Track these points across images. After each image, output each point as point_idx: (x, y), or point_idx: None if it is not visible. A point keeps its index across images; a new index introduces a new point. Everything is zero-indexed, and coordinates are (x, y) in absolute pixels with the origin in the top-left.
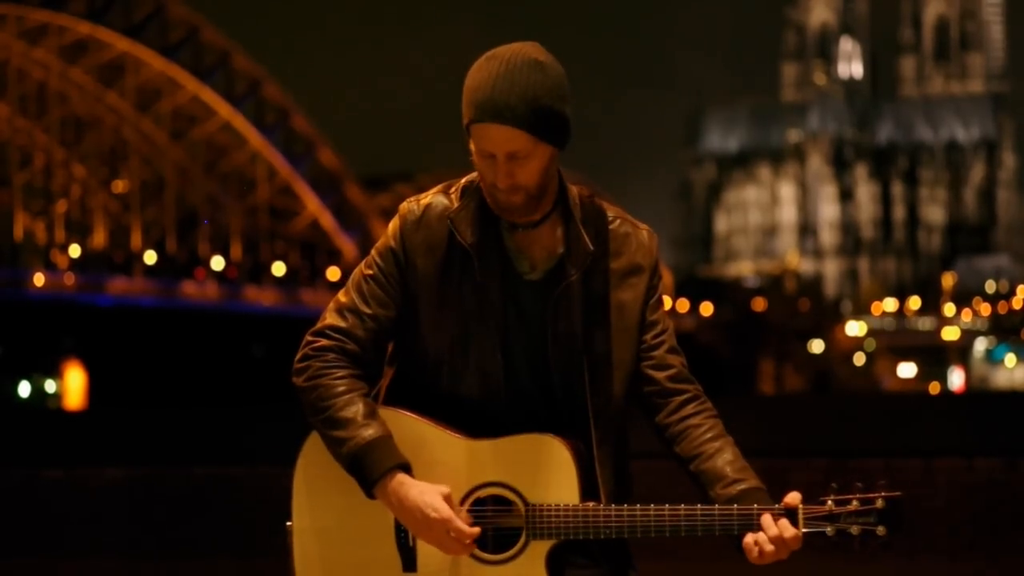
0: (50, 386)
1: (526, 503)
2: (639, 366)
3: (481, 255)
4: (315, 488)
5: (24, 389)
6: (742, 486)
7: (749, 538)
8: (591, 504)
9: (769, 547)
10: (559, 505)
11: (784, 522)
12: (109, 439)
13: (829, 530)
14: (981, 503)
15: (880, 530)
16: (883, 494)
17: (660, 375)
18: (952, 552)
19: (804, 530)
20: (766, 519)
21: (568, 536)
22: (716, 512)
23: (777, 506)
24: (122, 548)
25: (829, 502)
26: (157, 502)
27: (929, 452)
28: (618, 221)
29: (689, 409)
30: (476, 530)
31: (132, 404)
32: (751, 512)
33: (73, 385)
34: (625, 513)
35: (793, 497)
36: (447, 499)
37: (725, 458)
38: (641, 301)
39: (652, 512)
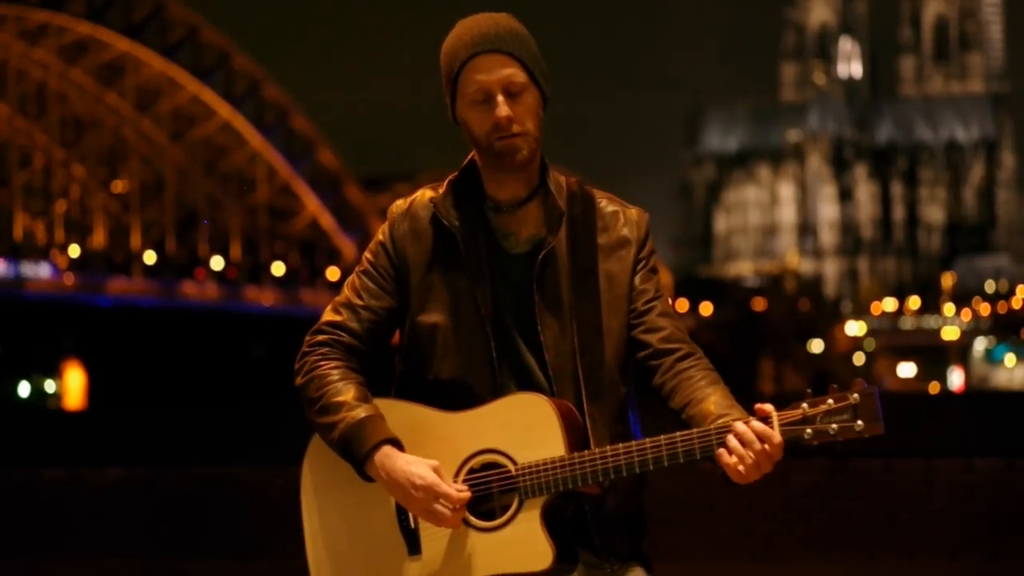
0: (50, 386)
1: (516, 464)
2: (632, 333)
3: (465, 234)
4: (320, 489)
5: (24, 389)
6: (725, 419)
7: (726, 449)
8: (575, 453)
9: (745, 451)
10: (546, 460)
11: (757, 423)
12: (109, 439)
13: (807, 433)
14: (981, 503)
15: (858, 425)
16: (857, 390)
17: (652, 338)
18: (952, 552)
19: (781, 435)
20: (738, 424)
21: (558, 488)
22: (695, 435)
23: (751, 417)
24: (122, 548)
25: (803, 405)
26: (157, 502)
27: (929, 452)
28: (605, 201)
29: (683, 365)
30: (465, 495)
31: (132, 404)
32: (727, 428)
33: (73, 385)
34: (609, 453)
35: (766, 406)
36: (435, 470)
37: (713, 399)
38: (629, 272)
39: (634, 447)
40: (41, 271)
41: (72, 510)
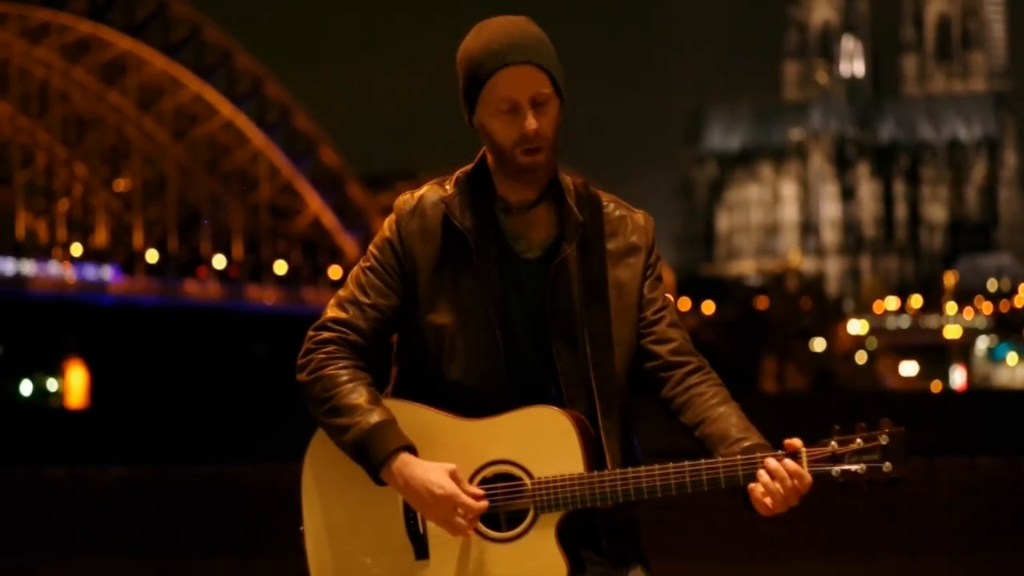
0: (52, 385)
1: (532, 477)
2: (641, 343)
3: (477, 237)
4: (323, 486)
5: (26, 388)
6: (746, 443)
7: (758, 490)
8: (595, 472)
9: (776, 486)
10: (564, 476)
11: (789, 461)
12: (111, 437)
13: (835, 471)
14: (983, 502)
15: (886, 466)
16: (886, 430)
17: (662, 349)
18: (953, 551)
19: (809, 471)
20: (770, 461)
21: (576, 505)
22: (720, 464)
23: (780, 451)
24: (124, 546)
25: (832, 443)
26: (159, 500)
27: (931, 450)
28: (612, 205)
29: (693, 379)
30: (484, 504)
31: (134, 403)
32: (755, 459)
33: (75, 384)
34: (631, 475)
35: (795, 441)
36: (453, 475)
37: (730, 420)
38: (639, 279)
39: (657, 471)
40: (104, 274)
41: (74, 508)
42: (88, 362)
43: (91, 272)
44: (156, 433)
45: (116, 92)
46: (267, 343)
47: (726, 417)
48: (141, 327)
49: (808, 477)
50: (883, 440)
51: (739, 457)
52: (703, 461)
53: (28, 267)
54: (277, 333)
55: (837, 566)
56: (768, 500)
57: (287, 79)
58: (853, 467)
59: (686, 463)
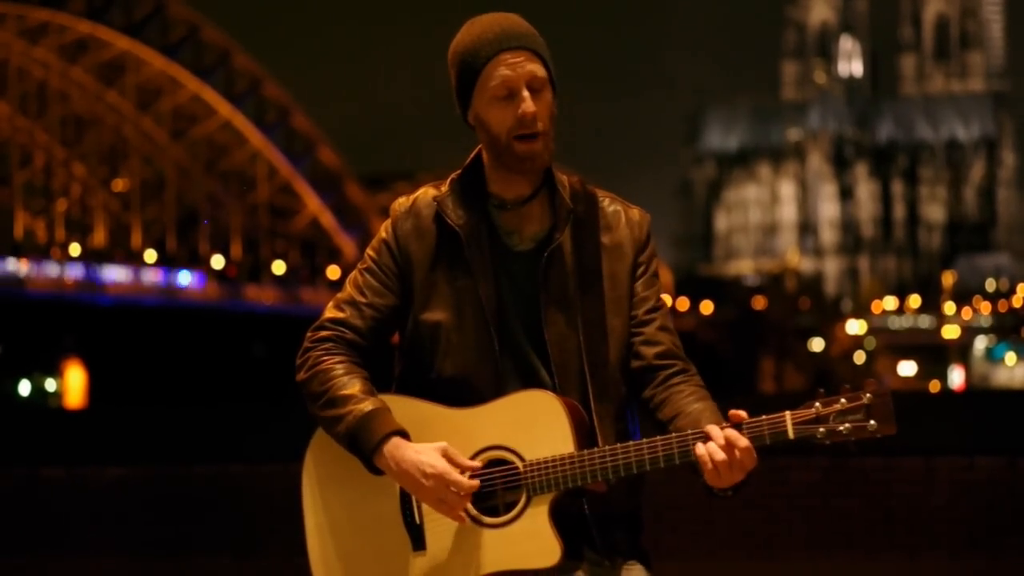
0: (50, 385)
1: (523, 460)
2: (629, 340)
3: (468, 232)
4: (323, 484)
5: (24, 388)
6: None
7: (700, 448)
8: (585, 451)
9: (719, 455)
10: (554, 457)
11: (729, 429)
12: (110, 438)
13: (820, 432)
14: (982, 502)
15: (871, 425)
16: (869, 391)
17: (649, 351)
18: (952, 551)
19: (794, 434)
20: (711, 428)
21: (566, 485)
22: (674, 439)
23: (725, 423)
24: (122, 547)
25: (816, 405)
26: (158, 501)
27: (929, 451)
28: (608, 201)
29: (675, 380)
30: (475, 483)
31: (133, 403)
32: (701, 433)
33: (73, 384)
34: (619, 450)
35: (739, 412)
36: (445, 453)
37: (704, 415)
38: (631, 272)
39: (645, 444)
40: (183, 279)
41: (72, 509)
42: (87, 362)
43: (170, 278)
44: (155, 433)
45: (114, 92)
46: (266, 343)
47: (700, 412)
48: (140, 327)
49: (745, 441)
50: (867, 399)
51: (689, 432)
52: (674, 435)
53: (58, 267)
54: (275, 333)
55: (836, 566)
56: (708, 464)
57: (285, 79)
58: (838, 427)
59: (658, 438)
